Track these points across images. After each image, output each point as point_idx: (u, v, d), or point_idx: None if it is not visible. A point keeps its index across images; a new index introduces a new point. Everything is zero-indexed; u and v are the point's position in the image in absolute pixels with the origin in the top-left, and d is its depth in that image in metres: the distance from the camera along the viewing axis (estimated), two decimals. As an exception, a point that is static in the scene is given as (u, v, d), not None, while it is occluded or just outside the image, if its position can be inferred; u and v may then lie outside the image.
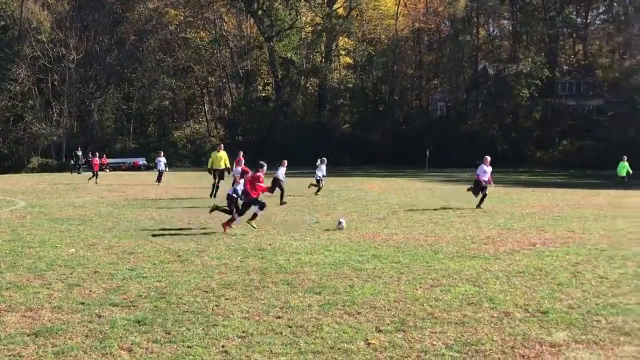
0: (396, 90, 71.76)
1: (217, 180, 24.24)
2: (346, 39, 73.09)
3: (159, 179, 32.62)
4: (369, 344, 6.29)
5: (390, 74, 70.81)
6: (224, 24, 73.04)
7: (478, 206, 20.17)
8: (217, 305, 7.80)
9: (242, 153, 31.41)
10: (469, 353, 6.04)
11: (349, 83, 72.06)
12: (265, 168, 15.78)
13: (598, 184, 34.82)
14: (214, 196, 23.39)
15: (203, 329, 6.78)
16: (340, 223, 15.14)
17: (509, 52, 68.18)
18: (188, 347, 6.18)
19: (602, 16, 69.52)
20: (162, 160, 34.02)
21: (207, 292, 8.52)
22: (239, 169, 20.98)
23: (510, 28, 70.88)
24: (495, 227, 15.41)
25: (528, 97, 61.76)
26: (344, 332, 6.66)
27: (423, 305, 7.79)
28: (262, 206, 15.15)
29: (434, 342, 6.35)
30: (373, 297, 8.18)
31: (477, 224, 16.01)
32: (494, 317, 7.32)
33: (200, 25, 72.68)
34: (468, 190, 21.43)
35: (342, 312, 7.49)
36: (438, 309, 7.63)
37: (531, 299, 8.14)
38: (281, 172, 22.96)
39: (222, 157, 24.73)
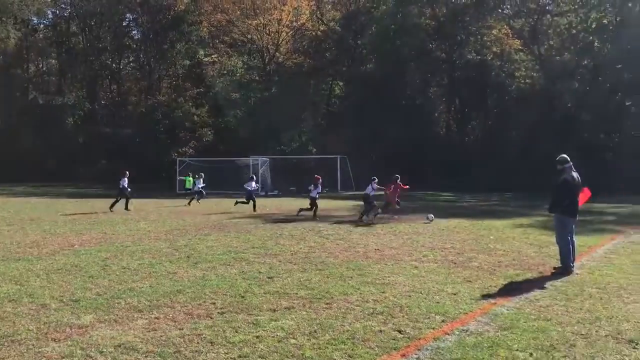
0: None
1: None
2: None
3: None
4: None
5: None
6: None
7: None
8: None
9: None
10: (5, 343, 5.53)
11: None
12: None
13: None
14: None
15: None
16: (428, 217, 17.27)
17: (56, 86, 64.92)
18: None
19: (131, 64, 70.81)
20: None
21: None
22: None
23: (58, 66, 67.72)
24: (41, 233, 14.43)
25: (72, 125, 59.85)
26: None
27: (-36, 308, 6.88)
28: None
29: (-28, 340, 5.65)
30: None
31: (24, 231, 14.78)
32: (32, 309, 6.84)
33: None
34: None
35: None
36: (-21, 309, 6.81)
37: (66, 291, 7.82)
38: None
39: None
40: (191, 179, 33.14)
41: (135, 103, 64.81)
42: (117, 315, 6.65)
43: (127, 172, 23.01)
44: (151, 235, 14.05)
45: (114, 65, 67.58)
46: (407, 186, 20.43)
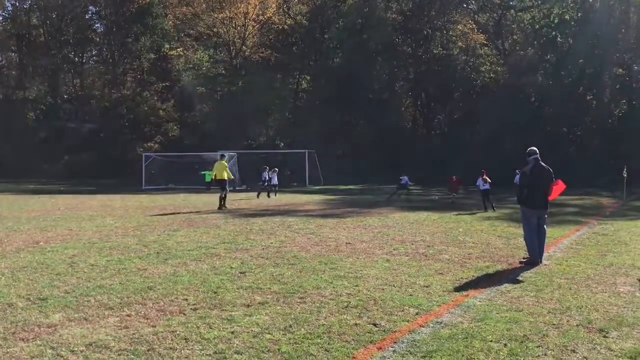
0: None
1: None
2: None
3: None
4: None
5: None
6: None
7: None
8: None
9: None
10: (-28, 345, 5.36)
11: None
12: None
13: (94, 190, 34.49)
14: None
15: None
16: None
17: (17, 80, 63.22)
18: None
19: (95, 57, 69.38)
20: None
21: None
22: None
23: (18, 60, 65.89)
24: (4, 230, 13.98)
25: (34, 119, 58.55)
26: None
27: None
28: None
29: (-64, 341, 5.45)
30: None
31: (-14, 229, 14.36)
32: (-3, 309, 6.65)
33: None
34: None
35: None
36: (-58, 309, 6.57)
37: (33, 289, 7.60)
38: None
39: None
40: (209, 172, 32.96)
41: (98, 97, 63.55)
42: (87, 313, 6.50)
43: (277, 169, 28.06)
44: (119, 232, 13.78)
45: (76, 58, 66.22)
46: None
